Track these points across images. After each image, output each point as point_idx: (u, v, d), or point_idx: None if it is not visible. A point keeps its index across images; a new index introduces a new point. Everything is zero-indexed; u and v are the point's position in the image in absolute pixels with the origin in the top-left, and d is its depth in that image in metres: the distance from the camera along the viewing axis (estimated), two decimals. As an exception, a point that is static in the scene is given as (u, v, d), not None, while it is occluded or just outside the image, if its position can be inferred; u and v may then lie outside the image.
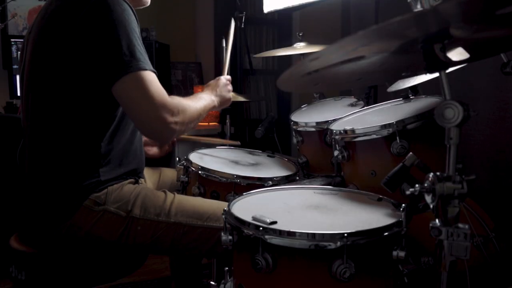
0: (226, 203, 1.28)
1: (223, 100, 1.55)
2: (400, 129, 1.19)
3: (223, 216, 1.02)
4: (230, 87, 1.61)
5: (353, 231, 0.90)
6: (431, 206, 0.80)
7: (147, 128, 1.22)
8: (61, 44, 1.20)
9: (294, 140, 1.70)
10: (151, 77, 1.19)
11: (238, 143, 1.70)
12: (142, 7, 1.46)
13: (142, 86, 1.17)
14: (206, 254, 1.36)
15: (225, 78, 1.61)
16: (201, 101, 1.41)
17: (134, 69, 1.16)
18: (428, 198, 0.80)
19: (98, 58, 1.18)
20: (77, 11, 1.19)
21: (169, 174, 1.70)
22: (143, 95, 1.18)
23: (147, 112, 1.19)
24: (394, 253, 0.93)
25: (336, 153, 1.33)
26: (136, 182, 1.39)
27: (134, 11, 1.24)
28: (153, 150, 1.68)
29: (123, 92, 1.19)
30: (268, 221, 0.94)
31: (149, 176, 1.60)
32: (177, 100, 1.25)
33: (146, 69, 1.18)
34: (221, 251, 1.24)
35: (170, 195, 1.35)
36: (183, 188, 1.56)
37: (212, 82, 1.58)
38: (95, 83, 1.21)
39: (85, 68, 1.19)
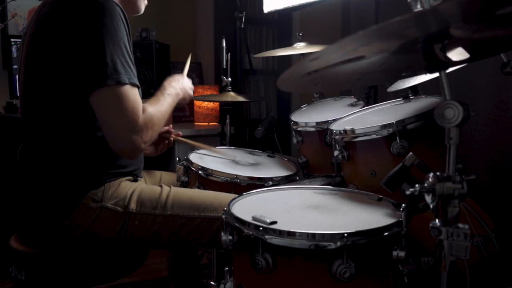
0: (223, 194, 1.28)
1: (185, 94, 1.52)
2: (400, 129, 1.19)
3: (223, 216, 1.02)
4: (191, 86, 1.59)
5: (353, 231, 0.90)
6: (431, 206, 0.80)
7: (116, 145, 1.21)
8: (51, 46, 1.21)
9: (294, 140, 1.70)
10: (128, 92, 1.18)
11: (235, 157, 1.71)
12: (135, 14, 1.46)
13: (117, 101, 1.16)
14: (206, 244, 1.36)
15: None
16: (169, 98, 1.39)
17: (113, 81, 1.15)
18: (428, 198, 0.80)
19: (80, 64, 1.17)
20: (67, 13, 1.18)
21: (169, 177, 1.70)
22: (117, 112, 1.17)
23: (117, 131, 1.19)
24: (394, 253, 0.93)
25: (336, 153, 1.33)
26: (134, 180, 1.39)
27: (127, 17, 1.23)
28: (149, 150, 1.68)
29: (98, 104, 1.18)
30: (268, 221, 0.95)
31: (149, 179, 1.60)
32: (148, 116, 1.23)
33: (125, 83, 1.17)
34: (220, 240, 1.24)
35: (166, 188, 1.35)
36: (183, 188, 1.56)
37: (177, 75, 1.56)
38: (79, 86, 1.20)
39: (71, 71, 1.19)
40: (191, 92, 1.58)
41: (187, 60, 1.81)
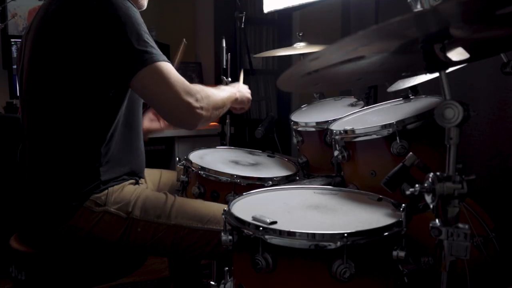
0: (226, 206, 1.28)
1: (243, 96, 1.58)
2: (400, 129, 1.19)
3: (223, 216, 1.02)
4: (249, 91, 1.66)
5: (353, 231, 0.90)
6: (431, 206, 0.80)
7: (174, 115, 1.23)
8: (63, 43, 1.20)
9: (294, 140, 1.70)
10: (168, 67, 1.20)
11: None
12: (138, 10, 1.46)
13: (161, 76, 1.18)
14: (206, 256, 1.36)
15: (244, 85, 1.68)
16: (224, 91, 1.44)
17: (150, 61, 1.17)
18: (428, 198, 0.80)
19: (110, 57, 1.18)
20: (81, 10, 1.18)
21: (169, 176, 1.70)
22: (164, 85, 1.19)
23: (171, 100, 1.20)
24: (394, 253, 0.93)
25: (336, 153, 1.33)
26: (137, 183, 1.39)
27: (137, 9, 1.24)
28: (155, 125, 1.68)
29: (142, 85, 1.20)
30: (268, 221, 0.94)
31: (149, 177, 1.60)
32: (199, 87, 1.26)
33: (160, 60, 1.19)
34: (221, 253, 1.24)
35: (170, 197, 1.35)
36: (183, 188, 1.56)
37: (232, 83, 1.65)
38: (102, 82, 1.20)
39: (92, 67, 1.19)
40: (249, 96, 1.63)
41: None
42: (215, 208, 1.34)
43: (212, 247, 1.29)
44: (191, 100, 1.20)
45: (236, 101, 1.52)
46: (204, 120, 1.26)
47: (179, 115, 1.22)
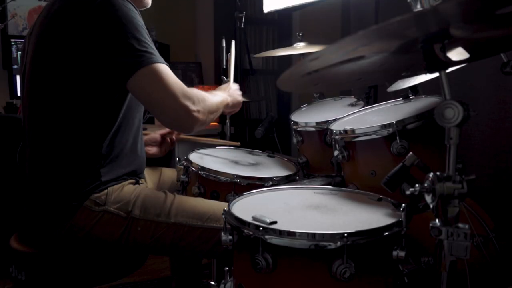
0: (226, 204, 1.29)
1: (234, 100, 1.57)
2: (400, 129, 1.19)
3: (223, 216, 1.02)
4: (240, 92, 1.65)
5: (353, 231, 0.90)
6: (431, 206, 0.80)
7: (170, 117, 1.22)
8: (65, 44, 1.20)
9: (294, 140, 1.70)
10: (165, 69, 1.20)
11: (238, 143, 1.72)
12: (143, 9, 1.46)
13: (159, 78, 1.18)
14: (206, 254, 1.36)
15: (234, 84, 1.66)
16: (217, 96, 1.43)
17: (148, 62, 1.17)
18: (428, 198, 0.80)
19: (108, 57, 1.18)
20: (83, 11, 1.18)
21: (169, 174, 1.70)
22: (162, 86, 1.18)
23: (168, 102, 1.19)
24: (394, 253, 0.93)
25: (336, 153, 1.33)
26: (137, 182, 1.39)
27: (138, 11, 1.24)
28: (153, 150, 1.68)
29: (139, 86, 1.19)
30: (268, 221, 0.94)
31: (149, 176, 1.60)
32: (195, 90, 1.26)
33: (159, 62, 1.19)
34: (221, 251, 1.24)
35: (170, 196, 1.35)
36: (183, 188, 1.56)
37: (223, 85, 1.63)
38: (103, 82, 1.21)
39: (93, 68, 1.19)
40: (240, 99, 1.62)
41: (229, 64, 1.82)
42: (215, 206, 1.35)
43: (212, 245, 1.29)
44: (188, 103, 1.20)
45: (227, 106, 1.52)
46: (200, 124, 1.26)
47: (176, 118, 1.22)
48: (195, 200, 1.38)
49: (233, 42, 1.90)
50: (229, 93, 1.55)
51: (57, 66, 1.22)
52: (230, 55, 1.88)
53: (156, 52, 1.21)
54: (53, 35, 1.23)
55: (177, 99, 1.18)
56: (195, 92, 1.25)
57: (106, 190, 1.27)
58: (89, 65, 1.19)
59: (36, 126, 1.29)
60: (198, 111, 1.22)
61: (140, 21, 1.21)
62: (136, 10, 1.23)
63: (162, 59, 1.21)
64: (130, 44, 1.16)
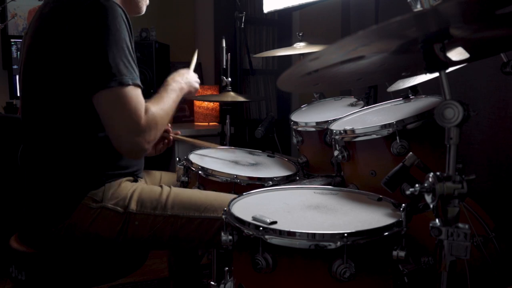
0: (223, 194, 1.28)
1: (190, 87, 1.52)
2: (400, 129, 1.19)
3: (223, 216, 1.02)
4: (197, 80, 1.60)
5: (353, 231, 0.90)
6: (431, 206, 0.80)
7: (119, 146, 1.21)
8: (52, 46, 1.20)
9: (294, 140, 1.70)
10: (130, 93, 1.18)
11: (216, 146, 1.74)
12: (136, 15, 1.45)
13: (120, 103, 1.17)
14: (206, 245, 1.36)
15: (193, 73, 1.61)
16: (172, 94, 1.39)
17: (115, 83, 1.16)
18: (428, 198, 0.80)
19: (82, 66, 1.17)
20: (69, 15, 1.18)
21: (169, 177, 1.70)
22: (119, 114, 1.18)
23: (120, 133, 1.19)
24: (394, 253, 0.93)
25: (336, 153, 1.33)
26: (134, 180, 1.39)
27: (129, 18, 1.23)
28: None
29: (101, 105, 1.19)
30: (268, 221, 0.95)
31: (149, 178, 1.60)
32: (151, 116, 1.23)
33: (128, 84, 1.17)
34: (220, 241, 1.24)
35: (166, 189, 1.35)
36: (183, 188, 1.56)
37: (182, 70, 1.56)
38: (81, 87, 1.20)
39: (72, 71, 1.19)
40: (196, 85, 1.57)
41: (193, 56, 1.81)
42: (212, 196, 1.35)
43: (211, 235, 1.29)
44: (139, 139, 1.19)
45: (184, 93, 1.48)
46: (148, 151, 1.27)
47: (125, 150, 1.22)
48: (191, 192, 1.38)
49: (195, 53, 1.88)
50: (185, 80, 1.50)
51: (46, 67, 1.23)
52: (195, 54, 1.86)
53: (129, 70, 1.18)
54: (44, 36, 1.24)
55: (129, 134, 1.18)
56: (150, 119, 1.22)
57: (103, 187, 1.27)
58: (70, 69, 1.19)
59: (32, 125, 1.29)
60: (148, 143, 1.22)
61: (124, 33, 1.19)
62: (126, 17, 1.21)
63: (133, 79, 1.19)
64: (104, 58, 1.15)
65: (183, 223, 1.29)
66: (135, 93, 1.19)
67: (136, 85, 1.20)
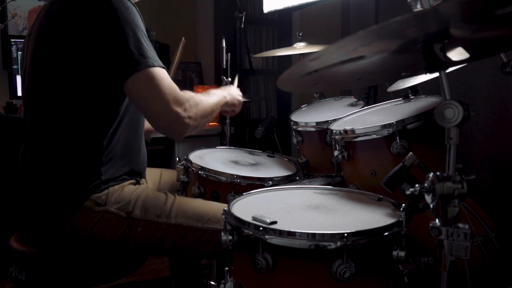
0: (226, 205, 1.28)
1: (233, 99, 1.59)
2: (400, 129, 1.19)
3: (223, 216, 1.02)
4: (240, 93, 1.67)
5: (353, 231, 0.90)
6: (431, 206, 0.80)
7: (161, 123, 1.22)
8: (64, 44, 1.20)
9: (294, 140, 1.70)
10: (161, 73, 1.20)
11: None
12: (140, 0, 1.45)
13: (153, 83, 1.18)
14: (206, 255, 1.36)
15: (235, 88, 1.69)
16: (214, 96, 1.43)
17: (143, 66, 1.17)
18: (428, 198, 0.80)
19: (105, 58, 1.18)
20: (80, 10, 1.18)
21: (170, 175, 1.70)
22: (155, 92, 1.18)
23: (159, 108, 1.19)
24: (394, 253, 0.93)
25: (336, 153, 1.33)
26: (137, 182, 1.39)
27: (138, 9, 1.24)
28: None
29: (134, 90, 1.19)
30: (268, 221, 0.95)
31: (150, 177, 1.60)
32: (189, 95, 1.26)
33: (155, 66, 1.19)
34: (221, 252, 1.24)
35: (170, 197, 1.35)
36: (183, 188, 1.56)
37: (223, 86, 1.65)
38: (101, 82, 1.21)
39: (91, 68, 1.19)
40: (240, 98, 1.64)
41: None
42: (215, 207, 1.34)
43: (213, 246, 1.29)
44: (179, 109, 1.20)
45: (226, 104, 1.52)
46: (192, 129, 1.26)
47: (166, 124, 1.21)
48: (195, 202, 1.38)
49: (236, 77, 1.90)
50: (228, 92, 1.56)
51: (56, 66, 1.22)
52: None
53: (152, 54, 1.20)
54: (52, 36, 1.23)
55: (169, 106, 1.18)
56: (189, 96, 1.24)
57: (106, 190, 1.27)
58: (86, 66, 1.19)
59: (37, 126, 1.29)
60: (189, 117, 1.22)
61: (138, 21, 1.21)
62: (135, 7, 1.23)
63: (158, 61, 1.21)
64: (126, 47, 1.16)
65: (185, 233, 1.29)
66: (165, 74, 1.22)
67: (163, 67, 1.22)
